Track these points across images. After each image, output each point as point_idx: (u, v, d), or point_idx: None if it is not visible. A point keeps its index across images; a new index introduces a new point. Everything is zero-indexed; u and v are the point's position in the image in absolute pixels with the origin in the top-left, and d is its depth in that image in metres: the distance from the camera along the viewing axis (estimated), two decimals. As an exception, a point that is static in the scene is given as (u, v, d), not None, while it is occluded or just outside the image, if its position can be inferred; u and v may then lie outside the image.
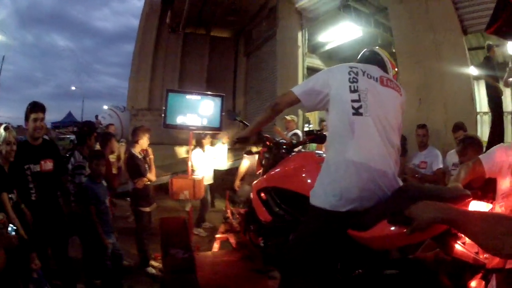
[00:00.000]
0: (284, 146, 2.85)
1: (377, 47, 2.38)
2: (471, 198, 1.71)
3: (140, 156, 4.85)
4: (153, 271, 4.58)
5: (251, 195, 2.94)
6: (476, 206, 1.88)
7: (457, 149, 3.38)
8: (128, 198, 5.77)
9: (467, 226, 1.19)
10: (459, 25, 5.94)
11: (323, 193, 1.89)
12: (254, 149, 3.45)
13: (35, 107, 3.42)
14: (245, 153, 3.52)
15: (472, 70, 6.22)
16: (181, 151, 9.96)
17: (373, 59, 2.27)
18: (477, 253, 1.56)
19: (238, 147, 2.83)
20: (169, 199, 6.05)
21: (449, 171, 4.39)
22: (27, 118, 3.40)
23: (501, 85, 5.97)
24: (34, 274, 2.64)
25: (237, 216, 4.15)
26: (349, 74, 2.01)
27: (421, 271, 1.69)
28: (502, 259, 1.59)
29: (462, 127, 4.48)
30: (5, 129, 3.09)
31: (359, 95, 1.95)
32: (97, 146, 5.04)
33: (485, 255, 1.56)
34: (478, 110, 6.23)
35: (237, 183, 6.01)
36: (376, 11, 10.05)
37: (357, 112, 1.92)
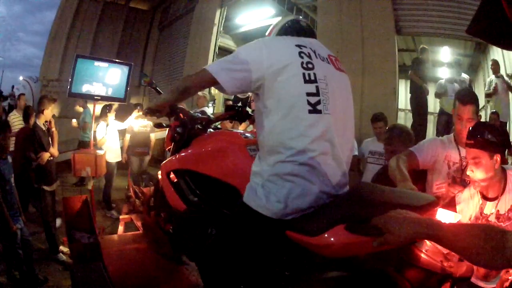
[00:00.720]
0: (200, 121, 2.55)
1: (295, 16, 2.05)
2: (439, 205, 1.64)
3: (43, 128, 4.50)
4: (63, 257, 4.32)
5: (159, 176, 2.64)
6: (443, 214, 1.78)
7: (385, 136, 3.35)
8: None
9: (454, 243, 1.09)
10: (393, 23, 6.06)
11: (264, 196, 1.54)
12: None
13: None
14: (155, 126, 2.98)
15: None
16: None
17: (303, 29, 1.87)
18: (441, 261, 1.48)
19: (149, 118, 2.47)
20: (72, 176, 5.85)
21: (365, 158, 4.44)
22: None
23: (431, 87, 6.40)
24: None
25: (140, 195, 3.94)
26: (301, 56, 1.60)
27: (373, 273, 1.50)
28: (469, 268, 1.57)
29: (382, 118, 4.49)
30: None
31: (317, 87, 1.57)
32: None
33: (450, 263, 1.49)
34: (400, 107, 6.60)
35: (124, 155, 5.89)
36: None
37: (314, 109, 1.55)
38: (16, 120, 6.37)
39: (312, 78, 1.57)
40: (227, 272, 1.67)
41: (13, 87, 13.73)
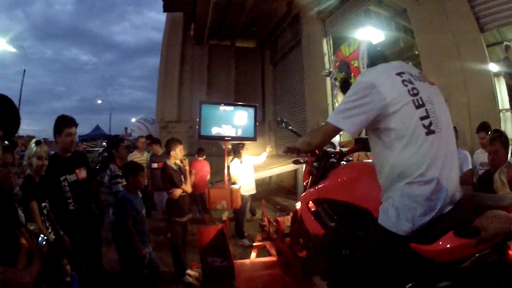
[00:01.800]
0: (333, 155, 2.76)
1: (370, 41, 2.20)
2: None
3: (175, 167, 4.92)
4: (190, 279, 4.64)
5: (296, 206, 2.94)
6: None
7: (487, 142, 3.48)
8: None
9: None
10: (475, 23, 5.82)
11: (395, 215, 1.73)
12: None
13: (69, 122, 3.49)
14: (293, 162, 3.31)
15: (492, 67, 6.12)
16: (216, 162, 10.26)
17: (384, 54, 2.09)
18: None
19: (288, 156, 2.82)
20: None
21: (476, 171, 4.42)
22: (59, 132, 3.47)
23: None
24: (67, 278, 2.56)
25: (274, 224, 4.19)
26: (405, 84, 1.77)
27: (477, 280, 1.58)
28: None
29: (487, 127, 4.45)
30: (37, 143, 3.13)
31: (426, 110, 1.74)
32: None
33: None
34: (500, 107, 6.06)
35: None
36: (396, 13, 10.04)
37: (429, 130, 1.72)
38: (138, 160, 6.80)
39: (421, 102, 1.75)
40: (360, 286, 1.88)
41: (126, 129, 14.67)
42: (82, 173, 3.63)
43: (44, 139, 5.80)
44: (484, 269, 1.51)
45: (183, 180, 4.95)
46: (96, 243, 3.78)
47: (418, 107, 1.73)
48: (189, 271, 4.78)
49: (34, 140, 3.22)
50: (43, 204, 2.98)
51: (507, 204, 1.58)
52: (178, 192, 4.79)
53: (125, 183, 4.09)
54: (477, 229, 1.34)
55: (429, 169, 1.68)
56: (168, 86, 14.14)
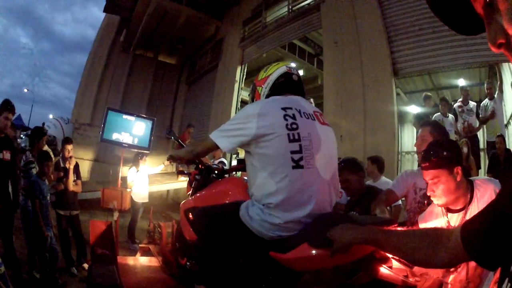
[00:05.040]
0: (215, 171, 2.89)
1: (288, 65, 2.22)
2: (396, 224, 1.81)
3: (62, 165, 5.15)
4: (75, 271, 4.90)
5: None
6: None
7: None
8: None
9: (389, 243, 1.16)
10: (390, 67, 6.24)
11: (257, 223, 1.86)
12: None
13: (9, 107, 3.90)
14: (177, 173, 3.56)
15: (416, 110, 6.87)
16: (114, 168, 10.35)
17: (293, 85, 2.14)
18: (406, 276, 1.63)
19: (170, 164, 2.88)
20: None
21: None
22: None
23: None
24: None
25: (158, 229, 4.64)
26: (285, 118, 1.85)
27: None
28: (436, 282, 1.81)
29: (371, 159, 4.68)
30: None
31: (300, 145, 1.81)
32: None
33: (415, 278, 1.67)
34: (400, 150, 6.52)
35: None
36: (321, 51, 10.55)
37: (297, 165, 1.80)
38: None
39: (296, 137, 1.80)
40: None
41: (43, 124, 13.93)
42: (7, 155, 3.93)
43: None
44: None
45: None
46: (9, 223, 4.04)
47: (292, 141, 1.80)
48: (84, 265, 5.03)
49: None
50: None
51: (373, 222, 1.73)
52: (60, 186, 5.02)
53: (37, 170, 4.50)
54: (329, 240, 1.40)
55: (289, 199, 1.77)
56: (88, 88, 14.03)
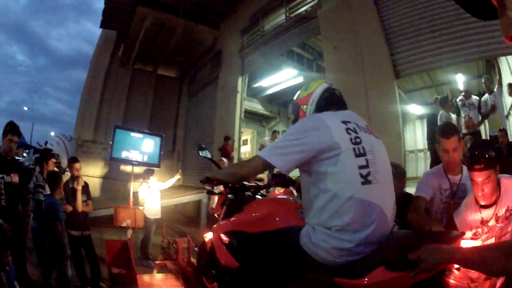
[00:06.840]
0: (249, 189, 2.68)
1: (326, 82, 2.13)
2: (462, 237, 1.81)
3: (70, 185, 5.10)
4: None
5: (205, 238, 2.99)
6: (466, 243, 2.03)
7: None
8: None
9: (472, 260, 1.28)
10: (392, 69, 6.24)
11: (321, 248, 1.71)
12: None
13: (14, 130, 3.94)
14: (207, 192, 3.31)
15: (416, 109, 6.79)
16: (123, 185, 10.33)
17: (337, 100, 2.04)
18: (468, 283, 1.74)
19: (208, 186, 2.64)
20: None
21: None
22: (4, 135, 3.91)
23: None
24: (7, 267, 2.85)
25: (174, 245, 4.66)
26: (348, 132, 1.75)
27: None
28: (492, 284, 1.92)
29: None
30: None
31: (366, 160, 1.72)
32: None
33: (475, 284, 1.79)
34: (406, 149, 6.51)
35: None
36: (319, 56, 10.65)
37: (366, 180, 1.69)
38: None
39: (362, 152, 1.71)
40: None
41: (46, 142, 13.90)
42: (15, 178, 3.96)
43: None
44: None
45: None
46: (21, 244, 4.02)
47: (358, 155, 1.71)
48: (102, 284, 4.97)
49: None
50: None
51: (447, 239, 1.69)
52: (69, 208, 4.88)
53: (46, 192, 4.49)
54: (413, 262, 1.39)
55: (358, 218, 1.65)
56: (90, 104, 14.02)
